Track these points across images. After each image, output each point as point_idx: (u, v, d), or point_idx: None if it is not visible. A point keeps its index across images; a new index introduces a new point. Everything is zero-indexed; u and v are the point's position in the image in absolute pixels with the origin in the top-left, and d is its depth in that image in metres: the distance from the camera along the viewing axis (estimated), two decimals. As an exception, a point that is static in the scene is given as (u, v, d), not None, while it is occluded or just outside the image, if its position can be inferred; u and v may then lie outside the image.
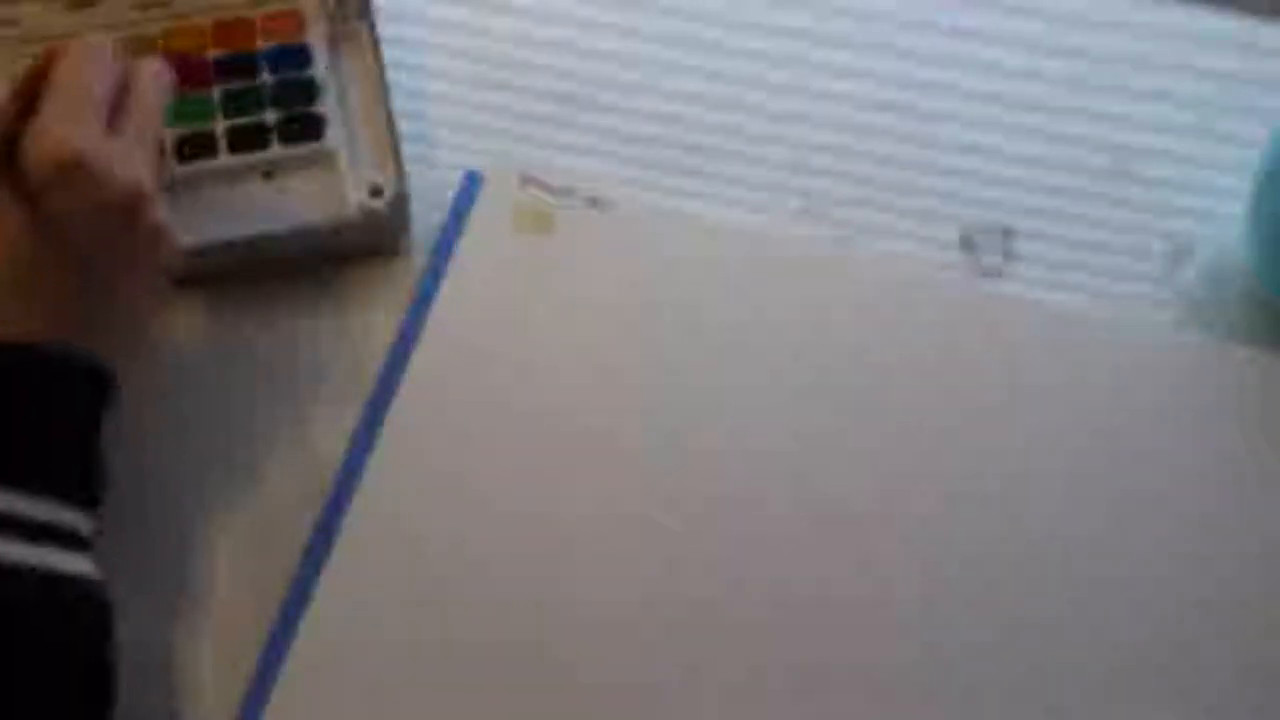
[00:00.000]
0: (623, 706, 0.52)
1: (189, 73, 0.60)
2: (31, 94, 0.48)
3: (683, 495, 0.55)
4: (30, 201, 0.46)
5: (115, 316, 0.49)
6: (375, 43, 0.60)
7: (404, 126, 0.59)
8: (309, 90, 0.59)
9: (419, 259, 0.59)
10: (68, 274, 0.47)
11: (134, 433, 0.56)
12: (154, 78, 0.51)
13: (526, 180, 0.60)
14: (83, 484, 0.47)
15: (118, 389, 0.48)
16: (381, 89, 0.59)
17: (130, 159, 0.48)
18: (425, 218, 0.60)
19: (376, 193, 0.57)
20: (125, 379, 0.49)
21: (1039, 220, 0.61)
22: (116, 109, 0.49)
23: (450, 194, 0.60)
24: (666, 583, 0.54)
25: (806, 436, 0.56)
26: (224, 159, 0.58)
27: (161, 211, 0.49)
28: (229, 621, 0.53)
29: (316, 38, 0.60)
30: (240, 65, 0.60)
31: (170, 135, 0.59)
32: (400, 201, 0.58)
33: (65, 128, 0.46)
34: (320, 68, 0.60)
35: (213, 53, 0.60)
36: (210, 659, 0.52)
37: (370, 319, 0.58)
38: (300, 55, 0.60)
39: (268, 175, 0.59)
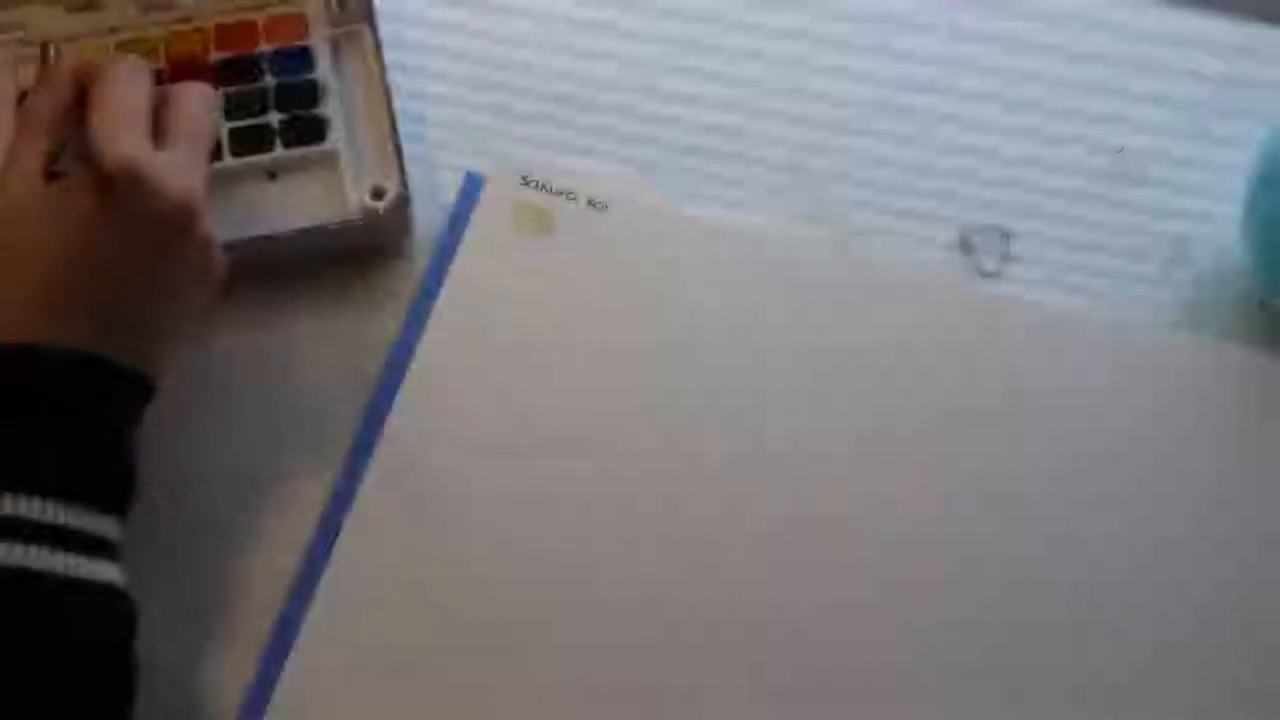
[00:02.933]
0: (621, 710, 0.52)
1: (192, 75, 0.60)
2: (70, 107, 0.48)
3: (682, 495, 0.55)
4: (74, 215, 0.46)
5: (159, 323, 0.49)
6: (377, 45, 0.60)
7: (405, 128, 0.59)
8: (311, 92, 0.60)
9: (420, 260, 0.60)
10: (116, 279, 0.47)
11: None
12: (199, 94, 0.51)
13: (527, 181, 0.61)
14: (114, 491, 0.47)
15: (153, 397, 0.49)
16: (383, 91, 0.59)
17: (181, 169, 0.48)
18: (426, 219, 0.60)
19: (378, 194, 0.58)
20: (160, 385, 0.49)
21: (1037, 222, 0.61)
22: (161, 125, 0.49)
23: (451, 195, 0.60)
24: (666, 583, 0.54)
25: (805, 437, 0.56)
26: (227, 161, 0.58)
27: (210, 223, 0.49)
28: (230, 622, 0.53)
29: (319, 40, 0.61)
30: (243, 67, 0.60)
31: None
32: (402, 203, 0.58)
33: (116, 140, 0.46)
34: (322, 70, 0.60)
35: (215, 55, 0.60)
36: (211, 659, 0.53)
37: (371, 320, 0.58)
38: (302, 58, 0.60)
39: (270, 177, 0.59)
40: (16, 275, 0.46)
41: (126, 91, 0.48)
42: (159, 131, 0.49)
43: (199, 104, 0.51)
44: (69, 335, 0.46)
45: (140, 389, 0.48)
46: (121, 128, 0.47)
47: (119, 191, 0.46)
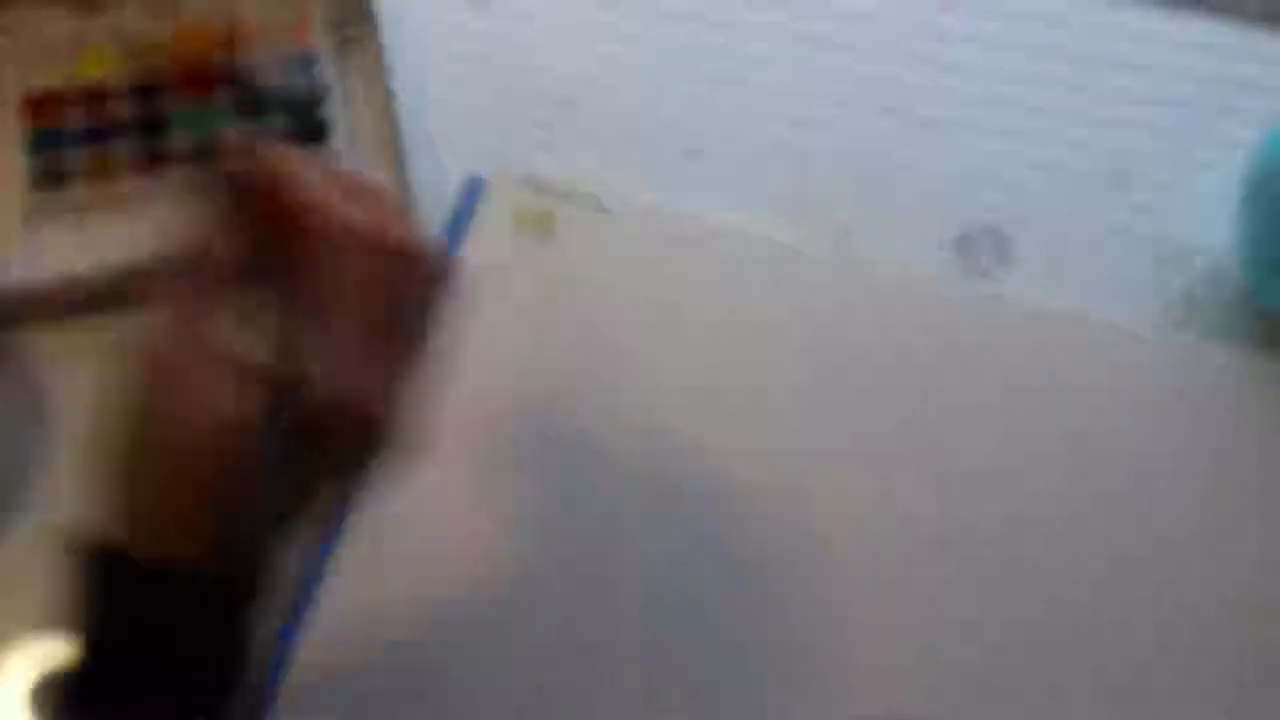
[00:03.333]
0: (619, 709, 0.53)
1: (196, 78, 0.60)
2: (310, 286, 0.39)
3: (681, 495, 0.55)
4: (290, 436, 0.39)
5: (297, 519, 0.42)
6: (378, 48, 0.61)
7: (406, 129, 0.59)
8: (313, 95, 0.60)
9: (421, 261, 0.60)
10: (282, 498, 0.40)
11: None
12: (438, 274, 0.41)
13: (528, 182, 0.61)
14: (221, 698, 0.41)
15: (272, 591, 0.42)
16: (385, 93, 0.60)
17: (407, 397, 0.40)
18: (428, 220, 0.60)
19: (379, 196, 0.58)
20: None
21: (1037, 222, 0.61)
22: (397, 315, 0.40)
23: (452, 197, 0.61)
24: (664, 581, 0.54)
25: (803, 437, 0.56)
26: (230, 163, 0.59)
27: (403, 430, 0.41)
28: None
29: (321, 44, 0.61)
30: (245, 70, 0.60)
31: (177, 140, 0.59)
32: (402, 204, 0.58)
33: (369, 383, 0.39)
34: (325, 74, 0.60)
35: (218, 59, 0.61)
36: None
37: (373, 321, 0.59)
38: (305, 61, 0.61)
39: (273, 179, 0.59)
40: (168, 472, 0.39)
41: (379, 298, 0.39)
42: (395, 317, 0.40)
43: (440, 288, 0.42)
44: (192, 548, 0.39)
45: (253, 593, 0.42)
46: (373, 361, 0.39)
47: (343, 423, 0.38)
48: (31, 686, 0.42)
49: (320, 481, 0.41)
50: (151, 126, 0.60)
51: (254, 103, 0.60)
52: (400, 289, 0.40)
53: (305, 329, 0.39)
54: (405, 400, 0.40)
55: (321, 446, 0.39)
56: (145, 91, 0.61)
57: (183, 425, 0.38)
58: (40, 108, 0.60)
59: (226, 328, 0.40)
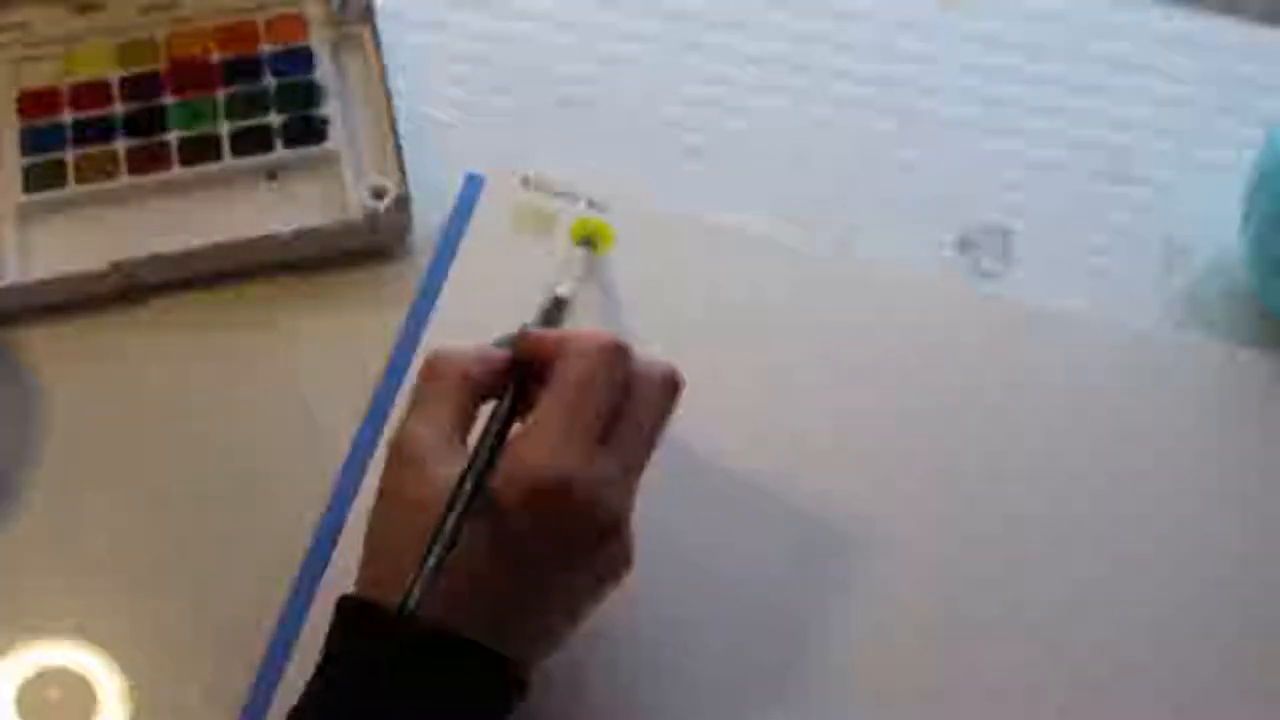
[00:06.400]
0: (617, 708, 0.52)
1: (193, 76, 0.60)
2: (527, 374, 0.46)
3: (680, 495, 0.55)
4: (496, 509, 0.44)
5: (544, 616, 0.46)
6: (377, 46, 0.60)
7: (405, 128, 0.59)
8: (312, 93, 0.60)
9: (421, 260, 0.60)
10: (511, 576, 0.44)
11: (135, 432, 0.56)
12: (661, 388, 0.47)
13: (527, 182, 0.61)
14: None
15: (525, 695, 0.46)
16: (383, 91, 0.60)
17: (615, 487, 0.45)
18: (427, 219, 0.60)
19: (379, 195, 0.58)
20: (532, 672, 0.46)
21: (1037, 222, 0.61)
22: (614, 418, 0.45)
23: (451, 195, 0.60)
24: (662, 580, 0.54)
25: (805, 436, 0.56)
26: (228, 161, 0.59)
27: (629, 534, 0.46)
28: (229, 621, 0.53)
29: (319, 41, 0.61)
30: (244, 68, 0.60)
31: (175, 138, 0.59)
32: (402, 203, 0.58)
33: (555, 447, 0.44)
34: (323, 71, 0.60)
35: (217, 56, 0.61)
36: (211, 660, 0.53)
37: (372, 320, 0.58)
38: (303, 58, 0.61)
39: (270, 177, 0.59)
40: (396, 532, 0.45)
41: (592, 386, 0.45)
42: (611, 424, 0.45)
43: (663, 400, 0.47)
44: (447, 616, 0.43)
45: (519, 688, 0.45)
46: (566, 434, 0.44)
47: (544, 499, 0.43)
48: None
49: (547, 569, 0.45)
50: (148, 125, 0.60)
51: (252, 100, 0.60)
52: (611, 388, 0.45)
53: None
54: (608, 486, 0.44)
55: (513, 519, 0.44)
56: (141, 89, 0.60)
57: (408, 494, 0.45)
58: (36, 105, 0.60)
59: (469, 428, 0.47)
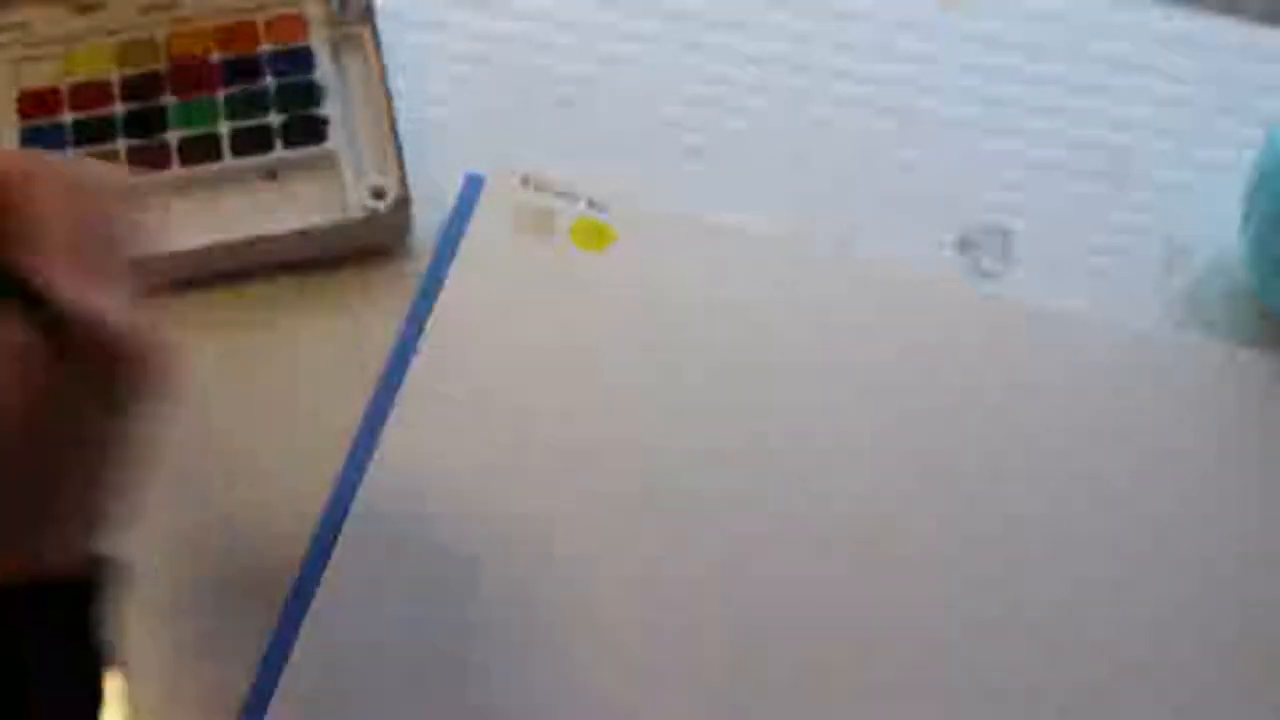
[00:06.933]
0: (616, 706, 0.52)
1: (193, 76, 0.60)
2: None
3: (680, 496, 0.55)
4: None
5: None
6: (377, 45, 0.60)
7: (405, 128, 0.59)
8: (311, 93, 0.60)
9: (421, 260, 0.59)
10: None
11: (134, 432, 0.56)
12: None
13: (527, 182, 0.61)
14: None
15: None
16: (383, 91, 0.59)
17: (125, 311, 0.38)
18: (427, 219, 0.60)
19: (378, 194, 0.58)
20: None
21: (1037, 222, 0.61)
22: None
23: (451, 195, 0.60)
24: (661, 582, 0.54)
25: (805, 436, 0.56)
26: (227, 161, 0.59)
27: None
28: (229, 621, 0.53)
29: (319, 41, 0.61)
30: (243, 68, 0.60)
31: (175, 137, 0.59)
32: (402, 203, 0.58)
33: (106, 298, 0.37)
34: (323, 70, 0.60)
35: (216, 56, 0.61)
36: (210, 660, 0.53)
37: (372, 320, 0.58)
38: (303, 58, 0.60)
39: (270, 177, 0.59)
40: None
41: (75, 214, 0.38)
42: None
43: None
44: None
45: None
46: (98, 274, 0.37)
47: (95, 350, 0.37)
48: None
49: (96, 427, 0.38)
50: (148, 125, 0.60)
51: (251, 100, 0.60)
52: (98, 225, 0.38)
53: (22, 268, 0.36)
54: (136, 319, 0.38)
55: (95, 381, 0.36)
56: (142, 89, 0.60)
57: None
58: (36, 105, 0.60)
59: None
